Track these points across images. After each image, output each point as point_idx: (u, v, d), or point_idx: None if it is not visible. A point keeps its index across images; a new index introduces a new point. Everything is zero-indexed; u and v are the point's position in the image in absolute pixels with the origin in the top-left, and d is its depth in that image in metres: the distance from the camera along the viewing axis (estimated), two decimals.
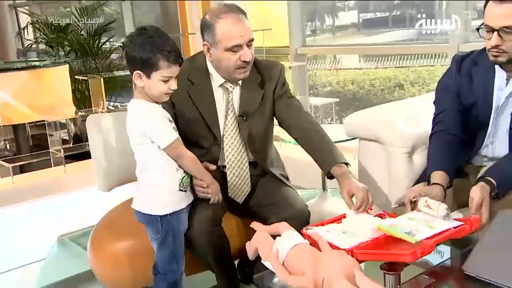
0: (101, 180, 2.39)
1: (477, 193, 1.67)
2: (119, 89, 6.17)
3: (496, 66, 1.91)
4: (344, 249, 1.47)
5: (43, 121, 4.67)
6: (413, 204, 1.70)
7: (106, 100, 5.14)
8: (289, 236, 1.50)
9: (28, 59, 6.52)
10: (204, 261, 2.02)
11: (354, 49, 5.50)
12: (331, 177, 1.98)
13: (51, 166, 4.43)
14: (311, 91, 5.24)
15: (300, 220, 1.94)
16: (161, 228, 1.83)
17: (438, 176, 1.83)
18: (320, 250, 1.44)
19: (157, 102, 1.81)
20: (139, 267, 2.03)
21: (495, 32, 1.78)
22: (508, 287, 1.28)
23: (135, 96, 1.83)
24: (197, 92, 2.04)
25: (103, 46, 6.19)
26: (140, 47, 1.71)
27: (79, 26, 6.16)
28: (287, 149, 2.35)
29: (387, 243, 1.54)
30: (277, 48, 4.87)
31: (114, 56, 6.40)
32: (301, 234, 1.57)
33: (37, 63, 4.97)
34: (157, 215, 1.82)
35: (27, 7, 8.94)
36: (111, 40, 6.50)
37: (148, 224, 1.86)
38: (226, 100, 2.07)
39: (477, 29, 1.86)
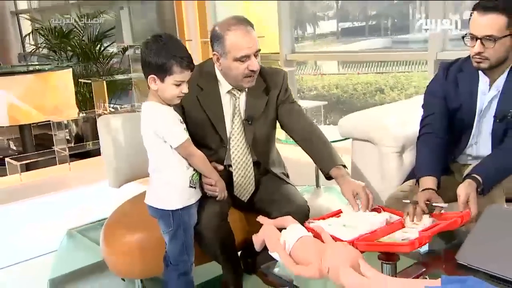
0: (112, 177, 2.39)
1: (462, 191, 1.70)
2: (119, 92, 6.13)
3: (480, 72, 1.95)
4: (346, 241, 1.49)
5: (47, 121, 4.65)
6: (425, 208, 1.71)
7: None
8: (294, 229, 1.52)
9: (30, 63, 6.46)
10: (211, 253, 2.03)
11: (340, 56, 5.55)
12: (329, 178, 1.99)
13: (56, 164, 4.42)
14: (298, 95, 5.27)
15: (301, 215, 1.95)
16: (173, 222, 1.83)
17: (430, 182, 1.84)
18: (323, 242, 1.46)
19: (169, 105, 1.81)
20: (149, 258, 2.03)
21: (478, 40, 1.82)
22: (496, 274, 1.31)
23: (149, 99, 1.82)
24: (206, 97, 2.04)
25: (104, 51, 6.14)
26: (156, 53, 1.71)
27: (81, 32, 6.11)
28: (282, 148, 2.36)
29: (384, 234, 1.57)
30: (268, 54, 4.88)
31: (113, 60, 6.35)
32: (304, 227, 1.59)
33: (43, 67, 4.92)
34: (169, 210, 1.82)
35: (28, 14, 8.87)
36: (111, 45, 6.45)
37: (161, 218, 1.86)
38: (233, 105, 2.07)
39: (463, 37, 1.89)
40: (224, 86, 2.06)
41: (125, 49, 5.93)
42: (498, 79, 1.92)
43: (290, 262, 1.43)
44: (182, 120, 1.84)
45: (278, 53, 4.81)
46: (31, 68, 4.99)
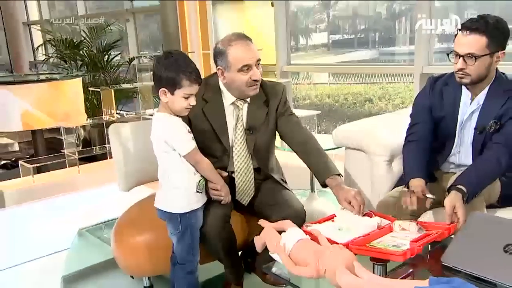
0: (122, 181, 2.40)
1: (448, 203, 1.73)
2: (125, 99, 6.14)
3: (463, 87, 2.00)
4: (341, 244, 1.51)
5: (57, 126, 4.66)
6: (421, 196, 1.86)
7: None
8: (293, 232, 1.53)
9: (42, 72, 6.45)
10: (215, 252, 2.04)
11: (333, 68, 5.57)
12: (325, 186, 2.01)
13: (66, 167, 4.41)
14: (293, 103, 5.29)
15: (298, 218, 1.97)
16: (181, 224, 1.85)
17: (419, 182, 1.91)
18: (320, 245, 1.49)
19: (177, 116, 1.83)
20: (157, 257, 2.04)
21: (461, 58, 1.87)
22: (478, 275, 1.34)
23: (159, 110, 1.84)
24: (210, 109, 2.07)
25: (111, 61, 6.15)
26: (167, 68, 1.74)
27: (90, 43, 6.12)
28: (278, 154, 2.39)
29: (376, 238, 1.60)
30: (265, 65, 4.91)
31: (120, 69, 6.36)
32: (302, 230, 1.62)
33: (54, 76, 4.93)
34: (177, 213, 1.84)
35: (39, 25, 8.86)
36: (118, 56, 6.46)
37: (169, 220, 1.88)
38: (236, 116, 2.10)
39: (447, 54, 1.94)
40: (228, 98, 2.09)
41: (131, 60, 5.94)
42: (479, 94, 1.97)
43: (290, 263, 1.45)
44: (190, 130, 1.86)
45: (275, 64, 4.84)
46: (43, 77, 4.98)
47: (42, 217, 3.46)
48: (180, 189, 1.84)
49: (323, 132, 5.31)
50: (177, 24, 5.37)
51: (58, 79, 4.68)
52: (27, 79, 4.96)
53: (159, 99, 1.82)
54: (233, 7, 5.47)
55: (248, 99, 2.10)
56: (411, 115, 2.15)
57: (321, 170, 2.02)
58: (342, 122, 5.51)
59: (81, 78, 4.96)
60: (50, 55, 6.99)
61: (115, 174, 2.41)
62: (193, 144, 1.82)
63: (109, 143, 2.45)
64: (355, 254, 1.47)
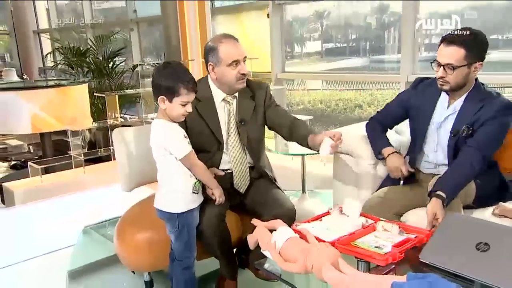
0: (124, 182, 2.41)
1: (429, 210, 1.79)
2: (128, 104, 6.15)
3: (443, 92, 2.06)
4: (327, 242, 1.54)
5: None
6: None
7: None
8: (283, 231, 1.55)
9: (50, 78, 6.47)
10: (210, 249, 2.07)
11: (326, 76, 5.61)
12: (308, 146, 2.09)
13: (72, 168, 4.41)
14: (287, 109, 5.32)
15: (289, 217, 2.01)
16: (178, 223, 1.87)
17: (391, 149, 2.13)
18: (308, 242, 1.51)
19: (174, 122, 1.85)
20: (157, 253, 2.07)
21: (442, 67, 1.93)
22: (454, 271, 1.36)
23: (157, 117, 1.86)
24: (203, 106, 2.11)
25: (116, 68, 6.16)
26: (166, 77, 1.77)
27: (96, 51, 6.13)
28: (272, 157, 2.41)
29: (360, 236, 1.63)
30: (261, 73, 4.93)
31: (124, 75, 6.36)
32: (292, 229, 1.64)
33: (62, 82, 4.94)
34: (175, 213, 1.87)
35: (48, 33, 8.87)
36: (122, 63, 6.47)
37: (168, 220, 1.90)
38: (227, 111, 2.15)
39: (431, 63, 2.00)
40: (219, 96, 2.14)
41: (134, 67, 5.95)
42: (457, 100, 2.03)
43: (280, 260, 1.48)
44: (186, 135, 1.88)
45: (270, 72, 4.87)
46: (52, 83, 4.99)
47: (49, 215, 3.47)
48: (178, 190, 1.86)
49: None
50: (178, 33, 5.38)
51: (65, 85, 4.68)
52: (36, 85, 4.97)
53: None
54: (231, 18, 5.50)
55: (236, 94, 2.16)
56: (387, 104, 2.27)
57: (305, 133, 2.08)
58: (334, 127, 5.54)
59: (87, 84, 4.98)
60: (58, 62, 6.99)
61: (119, 175, 2.43)
62: (188, 148, 1.84)
63: (113, 146, 2.47)
64: (340, 252, 1.50)
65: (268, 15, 4.66)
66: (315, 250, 1.40)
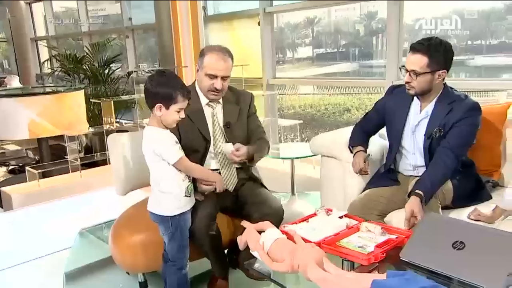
0: (119, 186, 2.43)
1: (407, 208, 1.85)
2: (123, 110, 6.16)
3: (415, 97, 2.14)
4: (314, 242, 1.57)
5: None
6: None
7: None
8: (271, 232, 1.57)
9: (47, 85, 6.45)
10: (202, 250, 2.09)
11: (315, 81, 5.65)
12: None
13: (69, 172, 4.41)
14: (278, 113, 5.35)
15: (277, 216, 2.06)
16: (171, 226, 1.89)
17: (359, 147, 2.25)
18: (295, 243, 1.54)
19: (166, 128, 1.87)
20: (151, 255, 2.08)
21: (408, 72, 2.02)
22: (432, 269, 1.40)
23: (150, 124, 1.88)
24: (192, 109, 2.13)
25: (111, 74, 6.16)
26: (164, 85, 1.79)
27: (92, 58, 6.13)
28: (263, 160, 2.44)
29: (345, 237, 1.66)
30: (253, 79, 4.96)
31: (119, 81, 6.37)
32: (280, 230, 1.67)
33: (59, 89, 4.94)
34: (168, 216, 1.89)
35: (45, 40, 8.86)
36: (117, 69, 6.48)
37: (161, 222, 1.92)
38: (211, 114, 2.20)
39: (400, 68, 2.10)
40: (203, 100, 2.19)
41: (130, 73, 5.96)
42: (428, 105, 2.11)
43: (268, 260, 1.49)
44: (177, 141, 1.91)
45: (261, 78, 4.90)
46: (49, 90, 4.99)
47: (46, 219, 3.47)
48: (170, 194, 1.88)
49: (306, 139, 5.37)
50: (172, 40, 5.40)
51: (62, 91, 4.69)
52: (34, 92, 4.97)
53: (151, 110, 1.86)
54: (223, 26, 5.53)
55: (221, 101, 2.21)
56: (369, 111, 2.37)
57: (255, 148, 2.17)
58: (323, 130, 5.58)
59: (83, 90, 4.98)
60: (55, 69, 6.99)
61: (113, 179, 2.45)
62: (180, 154, 1.86)
63: (109, 150, 2.49)
64: (326, 252, 1.53)
65: (259, 23, 4.69)
66: (301, 250, 1.43)
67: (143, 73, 5.53)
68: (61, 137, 4.85)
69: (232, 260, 2.28)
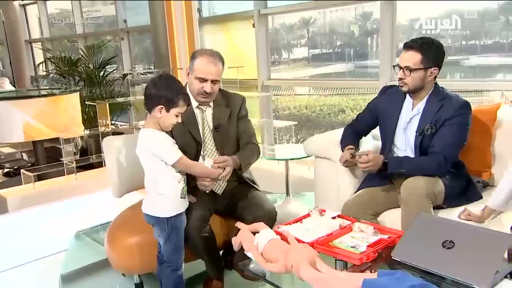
0: (114, 188, 2.44)
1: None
2: (119, 112, 6.16)
3: (407, 95, 2.19)
4: (307, 243, 1.59)
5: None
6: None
7: None
8: (265, 233, 1.60)
9: (43, 88, 6.43)
10: (196, 251, 2.11)
11: (309, 83, 5.68)
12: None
13: (64, 174, 4.41)
14: (274, 114, 5.37)
15: (270, 218, 2.08)
16: (167, 227, 1.91)
17: (350, 146, 2.27)
18: (288, 243, 1.56)
19: (162, 130, 1.89)
20: (146, 257, 2.10)
21: (401, 69, 2.08)
22: (423, 268, 1.42)
23: (147, 126, 1.90)
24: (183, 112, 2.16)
25: (106, 76, 6.17)
26: (167, 88, 1.82)
27: (87, 60, 6.13)
28: (259, 161, 2.46)
29: (337, 237, 1.69)
30: (248, 80, 4.99)
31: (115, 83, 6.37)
32: (274, 231, 1.69)
33: (54, 91, 4.94)
34: (164, 217, 1.90)
35: (40, 43, 8.85)
36: (113, 72, 6.48)
37: (156, 224, 1.93)
38: (201, 117, 2.22)
39: (393, 66, 2.16)
40: (193, 103, 2.20)
41: (125, 75, 5.96)
42: (419, 103, 2.16)
43: (262, 260, 1.52)
44: (174, 142, 1.92)
45: (256, 79, 4.92)
46: (44, 92, 4.99)
47: (42, 221, 3.48)
48: (166, 195, 1.90)
49: (301, 140, 5.39)
50: (167, 42, 5.41)
51: (57, 94, 4.69)
52: (28, 95, 4.97)
53: (149, 112, 1.88)
54: (218, 27, 5.55)
55: (211, 104, 2.22)
56: (362, 111, 2.41)
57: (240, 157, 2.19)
58: (319, 131, 5.61)
59: (78, 92, 4.99)
60: (50, 71, 6.98)
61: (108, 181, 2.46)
62: (179, 154, 1.88)
63: (104, 152, 2.50)
64: (319, 252, 1.55)
65: (253, 25, 4.72)
66: (294, 250, 1.46)
67: (138, 75, 5.54)
68: (56, 140, 4.86)
69: (227, 261, 2.30)
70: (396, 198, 2.06)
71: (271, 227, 1.73)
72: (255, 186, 2.32)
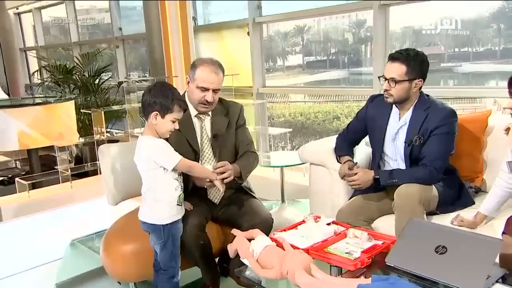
0: (110, 196, 2.44)
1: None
2: (114, 119, 6.17)
3: (394, 106, 2.21)
4: (302, 249, 1.62)
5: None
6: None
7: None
8: (261, 240, 1.62)
9: (38, 96, 6.43)
10: (192, 259, 2.12)
11: (303, 90, 5.73)
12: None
13: (59, 183, 4.39)
14: (268, 121, 5.40)
15: (266, 225, 2.09)
16: (164, 234, 1.92)
17: (346, 157, 2.30)
18: (284, 250, 1.58)
19: (160, 137, 1.90)
20: (142, 264, 2.10)
21: (386, 81, 2.10)
22: (416, 273, 1.45)
23: (144, 133, 1.92)
24: (181, 121, 2.13)
25: (102, 84, 6.17)
26: (162, 94, 1.84)
27: (82, 68, 6.14)
28: (257, 169, 2.48)
29: (332, 243, 1.71)
30: (243, 88, 5.02)
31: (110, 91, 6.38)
32: (270, 238, 1.71)
33: (49, 99, 4.94)
34: (161, 224, 1.91)
35: (35, 51, 8.86)
36: (108, 80, 6.49)
37: (153, 231, 1.94)
38: (200, 126, 2.24)
39: (379, 77, 2.17)
40: (192, 111, 2.23)
41: (120, 83, 5.97)
42: (406, 113, 2.18)
43: (257, 267, 1.54)
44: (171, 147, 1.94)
45: (251, 87, 4.96)
46: (39, 100, 4.99)
47: (37, 230, 3.46)
48: (163, 202, 1.91)
49: (296, 147, 5.42)
50: (162, 50, 5.43)
51: (52, 102, 4.68)
52: (23, 103, 4.96)
53: (146, 120, 1.90)
54: (213, 35, 5.59)
55: (210, 113, 2.24)
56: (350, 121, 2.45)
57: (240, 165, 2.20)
58: (313, 138, 5.63)
59: (73, 100, 4.99)
60: (45, 80, 6.98)
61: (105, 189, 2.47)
62: (179, 156, 1.89)
63: (99, 160, 2.51)
64: (314, 258, 1.57)
65: (248, 33, 4.76)
66: (289, 256, 1.48)
67: (133, 82, 5.54)
68: (51, 148, 4.84)
69: (223, 268, 2.31)
70: (390, 205, 2.09)
71: (268, 235, 1.75)
72: (251, 193, 2.34)
